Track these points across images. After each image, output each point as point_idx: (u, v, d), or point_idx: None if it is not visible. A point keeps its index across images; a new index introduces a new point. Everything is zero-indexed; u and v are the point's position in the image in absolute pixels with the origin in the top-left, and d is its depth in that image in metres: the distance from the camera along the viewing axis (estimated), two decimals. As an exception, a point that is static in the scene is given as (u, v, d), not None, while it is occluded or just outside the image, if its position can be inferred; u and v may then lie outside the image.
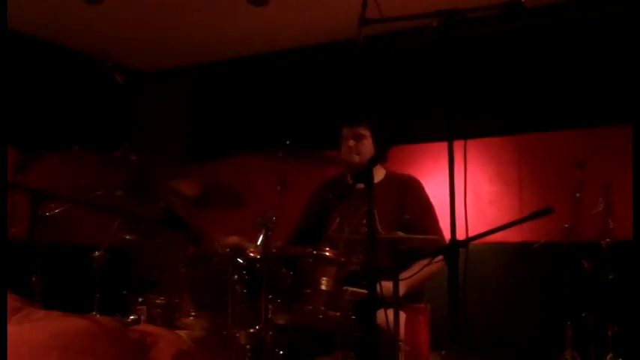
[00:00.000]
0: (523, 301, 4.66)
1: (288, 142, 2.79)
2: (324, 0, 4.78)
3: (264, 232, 2.59)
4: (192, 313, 2.73)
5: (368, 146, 3.33)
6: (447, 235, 2.21)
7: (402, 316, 2.72)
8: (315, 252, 2.68)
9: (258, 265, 2.62)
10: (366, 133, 3.33)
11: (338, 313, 2.61)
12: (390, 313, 2.59)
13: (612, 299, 3.88)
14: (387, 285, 2.60)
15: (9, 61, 4.46)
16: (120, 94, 5.71)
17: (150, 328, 2.14)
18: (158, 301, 3.22)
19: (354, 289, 2.71)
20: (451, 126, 2.19)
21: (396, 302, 2.60)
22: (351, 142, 3.33)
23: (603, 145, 4.52)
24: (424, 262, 2.59)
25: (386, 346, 2.61)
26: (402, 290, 2.91)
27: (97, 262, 3.27)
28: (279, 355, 2.60)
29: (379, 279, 2.49)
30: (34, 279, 2.86)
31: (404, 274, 2.91)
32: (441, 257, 2.28)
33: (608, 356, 3.81)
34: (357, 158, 3.31)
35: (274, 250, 2.64)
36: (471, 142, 2.25)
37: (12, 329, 1.77)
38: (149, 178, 3.54)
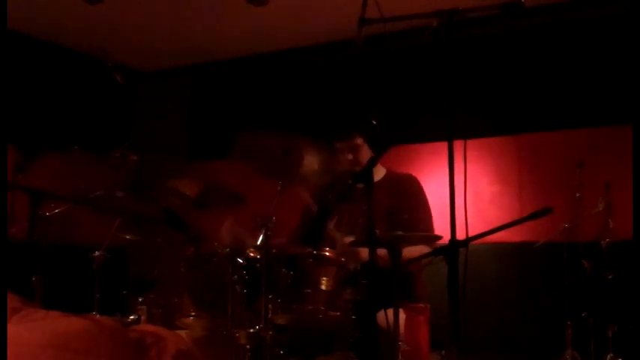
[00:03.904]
0: (523, 301, 4.66)
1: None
2: (324, 0, 4.78)
3: (264, 232, 2.59)
4: (192, 313, 2.73)
5: (365, 153, 3.31)
6: (447, 235, 2.21)
7: (402, 316, 2.72)
8: (315, 252, 2.69)
9: (258, 265, 2.63)
10: (360, 141, 3.31)
11: (338, 313, 2.62)
12: (390, 313, 2.60)
13: (612, 299, 3.88)
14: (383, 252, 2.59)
15: (9, 61, 4.46)
16: (119, 94, 5.71)
17: (150, 328, 2.14)
18: (158, 301, 3.22)
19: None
20: (451, 126, 2.19)
21: (396, 303, 2.60)
22: (349, 156, 3.31)
23: (603, 145, 4.52)
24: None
25: (386, 346, 2.61)
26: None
27: (97, 262, 3.26)
28: (279, 355, 2.60)
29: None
30: (34, 279, 2.85)
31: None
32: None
33: (608, 356, 3.81)
34: (358, 169, 3.28)
35: (274, 250, 2.64)
36: (470, 142, 2.26)
37: (12, 329, 1.77)
38: (149, 178, 3.54)
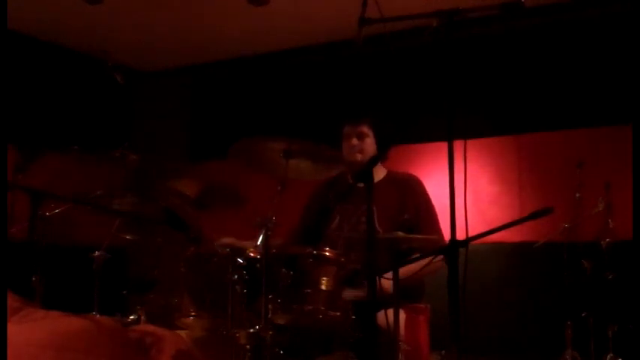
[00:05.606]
0: (523, 301, 4.66)
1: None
2: (324, 0, 4.78)
3: (264, 232, 2.59)
4: (192, 313, 2.73)
5: (370, 145, 3.34)
6: (447, 235, 2.21)
7: (402, 316, 2.72)
8: (315, 252, 2.68)
9: (258, 265, 2.62)
10: (369, 131, 3.34)
11: (338, 313, 2.61)
12: (390, 313, 2.59)
13: (612, 299, 3.88)
14: (386, 283, 2.60)
15: (9, 61, 4.46)
16: (120, 94, 5.71)
17: (150, 328, 2.14)
18: (158, 301, 3.22)
19: (353, 292, 2.71)
20: (451, 126, 2.19)
21: (395, 302, 2.60)
22: (354, 141, 3.34)
23: (603, 145, 4.52)
24: (423, 261, 2.59)
25: (386, 346, 2.61)
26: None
27: (97, 262, 3.26)
28: (279, 355, 2.60)
29: (378, 276, 2.48)
30: (34, 279, 2.86)
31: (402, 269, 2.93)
32: (440, 257, 2.28)
33: (608, 356, 3.81)
34: (359, 157, 3.32)
35: (274, 250, 2.64)
36: (471, 142, 2.26)
37: (12, 329, 1.77)
38: (149, 178, 3.54)
